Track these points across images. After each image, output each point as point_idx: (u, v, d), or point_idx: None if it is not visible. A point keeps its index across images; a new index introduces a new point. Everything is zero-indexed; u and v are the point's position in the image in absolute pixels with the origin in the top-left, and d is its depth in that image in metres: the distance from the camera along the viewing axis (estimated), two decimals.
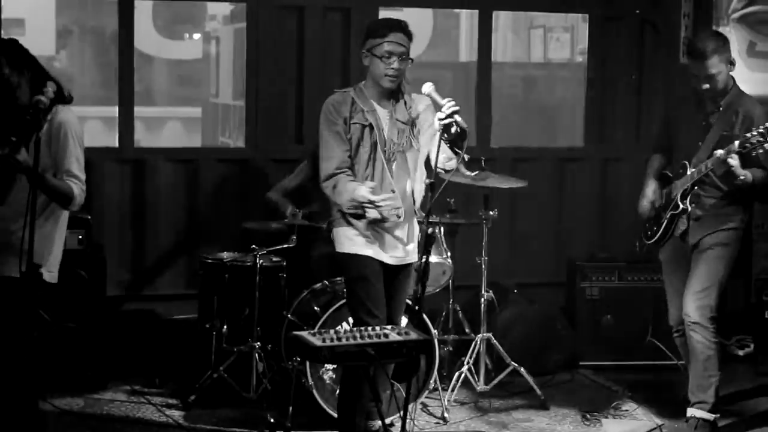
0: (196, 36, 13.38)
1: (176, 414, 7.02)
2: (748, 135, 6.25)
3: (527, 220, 8.99)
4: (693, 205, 6.64)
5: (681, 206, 6.67)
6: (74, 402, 7.17)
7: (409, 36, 5.94)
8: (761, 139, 6.20)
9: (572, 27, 12.41)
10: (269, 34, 8.41)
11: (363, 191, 5.71)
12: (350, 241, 5.98)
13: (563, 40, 12.51)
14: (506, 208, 8.59)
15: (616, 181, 9.15)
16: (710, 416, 6.69)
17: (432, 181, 5.57)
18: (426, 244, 5.42)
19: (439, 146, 5.62)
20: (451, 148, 5.69)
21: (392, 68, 5.85)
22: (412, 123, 5.98)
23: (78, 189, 5.34)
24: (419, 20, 11.20)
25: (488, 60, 9.02)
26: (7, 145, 5.03)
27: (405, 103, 5.99)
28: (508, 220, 8.80)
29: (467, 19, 12.30)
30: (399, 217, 5.93)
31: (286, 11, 8.44)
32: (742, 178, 6.31)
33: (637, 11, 9.08)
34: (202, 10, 13.25)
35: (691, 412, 6.74)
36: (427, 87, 5.74)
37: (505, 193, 8.46)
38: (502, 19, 12.17)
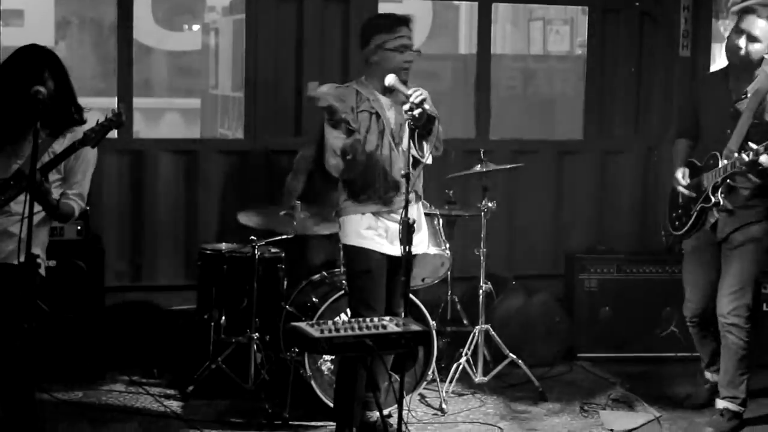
0: (196, 27, 13.36)
1: (174, 405, 7.02)
2: None
3: (526, 211, 8.99)
4: (724, 197, 6.53)
5: (713, 200, 6.54)
6: (72, 393, 7.17)
7: (411, 29, 6.02)
8: None
9: (572, 19, 12.40)
10: (268, 25, 8.40)
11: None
12: (357, 234, 6.00)
13: (563, 33, 12.51)
14: (505, 200, 8.58)
15: (615, 174, 9.15)
16: (740, 409, 6.74)
17: (407, 171, 5.59)
18: (407, 233, 5.43)
19: (411, 137, 5.66)
20: (419, 138, 5.72)
21: (406, 59, 5.91)
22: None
23: (78, 208, 5.55)
24: (419, 12, 11.19)
25: (487, 52, 9.01)
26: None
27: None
28: (507, 212, 8.80)
29: (467, 11, 12.29)
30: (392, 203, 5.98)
31: (285, 3, 8.43)
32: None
33: (637, 3, 9.07)
34: (202, 1, 13.24)
35: (723, 404, 6.76)
36: (390, 78, 5.80)
37: (504, 184, 8.48)
38: (501, 11, 12.17)
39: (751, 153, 6.20)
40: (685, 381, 7.54)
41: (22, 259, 5.13)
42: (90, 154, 5.52)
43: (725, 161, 6.46)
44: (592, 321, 8.29)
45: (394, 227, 5.94)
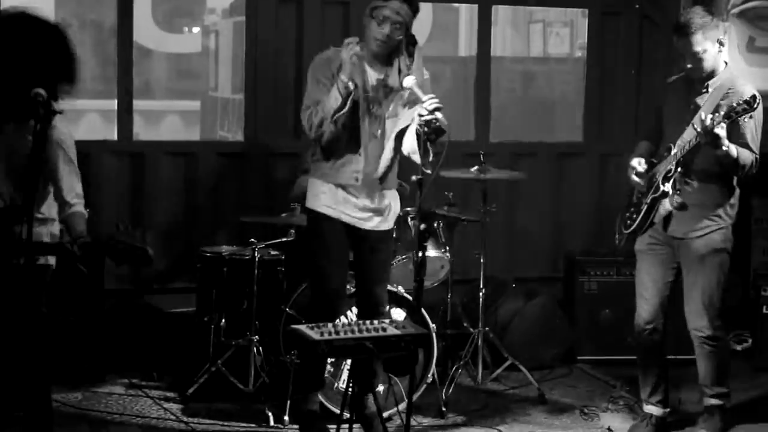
0: (195, 29, 13.39)
1: (174, 407, 7.02)
2: (734, 104, 6.05)
3: (526, 214, 8.99)
4: (676, 191, 6.38)
5: (662, 188, 6.39)
6: (72, 395, 7.17)
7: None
8: (746, 107, 6.01)
9: (571, 22, 12.42)
10: (268, 27, 8.41)
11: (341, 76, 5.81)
12: (314, 197, 6.10)
13: (562, 35, 12.53)
14: (505, 203, 8.59)
15: (615, 176, 9.12)
16: (725, 402, 6.70)
17: (420, 177, 5.58)
18: (420, 240, 5.42)
19: (419, 141, 5.65)
20: (425, 143, 5.70)
21: (381, 32, 5.89)
22: (399, 91, 5.97)
23: (83, 208, 5.64)
24: (419, 14, 11.20)
25: (487, 54, 9.02)
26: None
27: (399, 71, 5.99)
28: (507, 215, 8.80)
29: (467, 13, 12.31)
30: (356, 181, 5.99)
31: (285, 5, 8.44)
32: (725, 148, 6.10)
33: (637, 6, 9.07)
34: (201, 3, 13.26)
35: (712, 402, 6.70)
36: (409, 80, 5.78)
37: (503, 187, 8.49)
38: (501, 13, 12.19)
39: (708, 119, 6.11)
40: (692, 383, 7.55)
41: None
42: (58, 149, 5.37)
43: (676, 149, 6.36)
44: (591, 323, 8.29)
45: (356, 201, 6.04)
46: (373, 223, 6.15)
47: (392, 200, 6.24)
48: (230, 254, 7.32)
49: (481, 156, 7.53)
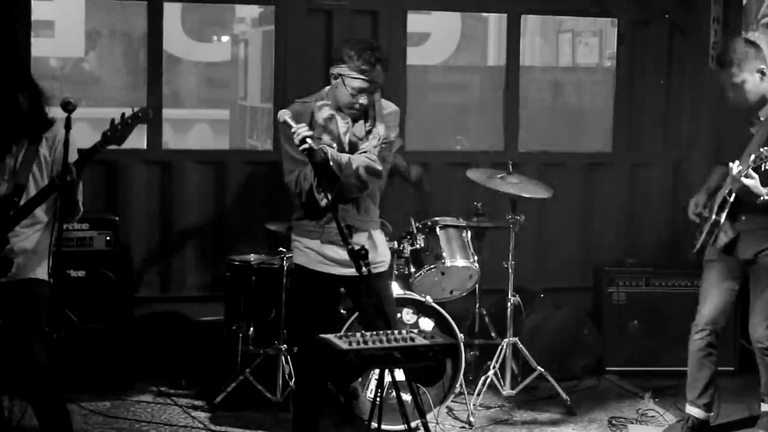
0: (225, 38, 13.38)
1: (202, 416, 7.04)
2: (762, 150, 6.13)
3: (555, 224, 8.97)
4: (729, 218, 6.47)
5: (714, 218, 6.50)
6: (101, 403, 7.20)
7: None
8: None
9: (601, 31, 12.35)
10: (297, 36, 8.42)
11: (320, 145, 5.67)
12: (301, 252, 5.97)
13: (592, 45, 12.47)
14: (534, 213, 8.56)
15: (645, 187, 9.12)
16: None
17: (327, 202, 5.55)
18: (354, 258, 5.29)
19: (314, 170, 5.60)
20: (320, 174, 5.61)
21: (359, 103, 5.79)
22: (366, 136, 5.91)
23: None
24: (448, 24, 11.18)
25: (516, 64, 9.01)
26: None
27: (365, 121, 5.92)
28: (536, 225, 8.77)
29: (496, 23, 12.26)
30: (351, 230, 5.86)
31: (314, 14, 8.45)
32: (763, 198, 6.17)
33: (667, 16, 9.04)
34: (231, 12, 13.25)
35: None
36: (283, 113, 5.72)
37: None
38: (530, 22, 12.12)
39: (736, 169, 6.15)
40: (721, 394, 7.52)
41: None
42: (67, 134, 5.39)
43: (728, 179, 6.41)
44: (620, 334, 8.27)
45: (341, 250, 5.81)
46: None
47: (380, 239, 6.16)
48: (259, 263, 7.33)
49: (510, 166, 7.52)
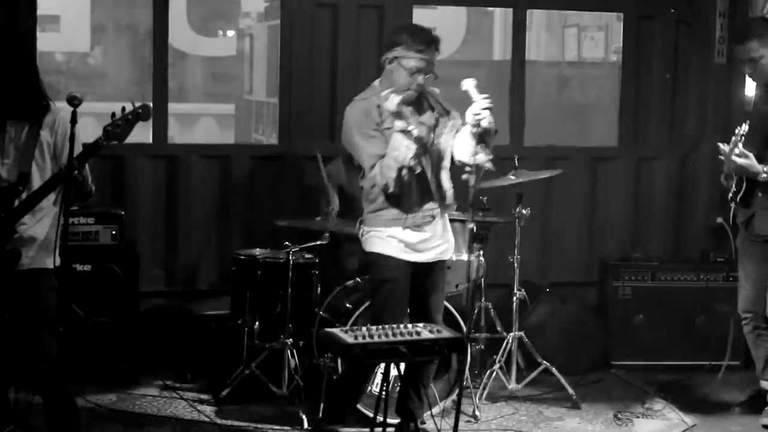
0: (230, 33, 13.42)
1: (208, 409, 7.04)
2: (738, 130, 6.28)
3: (560, 218, 8.96)
4: (744, 197, 6.61)
5: (731, 195, 6.71)
6: (106, 397, 7.21)
7: (439, 51, 5.93)
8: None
9: (606, 26, 12.36)
10: (303, 31, 8.41)
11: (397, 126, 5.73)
12: (382, 240, 6.00)
13: (597, 39, 12.47)
14: (539, 207, 8.56)
15: (650, 181, 9.11)
16: None
17: (469, 174, 5.63)
18: (471, 241, 5.43)
19: (473, 139, 5.64)
20: (478, 144, 5.69)
21: (417, 84, 5.85)
22: (436, 123, 5.97)
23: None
24: (453, 18, 11.19)
25: (522, 58, 8.99)
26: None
27: (430, 106, 6.00)
28: (541, 219, 8.77)
29: (501, 17, 12.28)
30: (433, 218, 5.95)
31: (320, 8, 8.44)
32: (762, 175, 6.28)
33: (672, 10, 9.02)
34: (236, 7, 13.28)
35: None
36: (468, 82, 5.74)
37: (538, 191, 8.45)
38: (536, 17, 12.13)
39: (725, 147, 6.35)
40: (726, 388, 7.52)
41: (57, 263, 5.20)
42: (69, 128, 5.38)
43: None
44: (626, 329, 8.27)
45: (419, 235, 5.98)
46: (441, 250, 6.17)
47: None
48: (264, 257, 7.33)
49: (516, 160, 7.52)
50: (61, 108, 5.34)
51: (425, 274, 6.14)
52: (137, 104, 5.27)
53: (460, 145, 5.94)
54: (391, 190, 5.84)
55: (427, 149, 5.90)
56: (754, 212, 6.66)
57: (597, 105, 11.08)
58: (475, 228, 6.30)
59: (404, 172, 5.77)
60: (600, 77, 11.91)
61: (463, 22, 11.74)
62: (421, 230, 6.00)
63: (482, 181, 5.96)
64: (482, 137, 5.67)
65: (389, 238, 6.00)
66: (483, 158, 5.73)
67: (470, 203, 5.59)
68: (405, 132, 5.69)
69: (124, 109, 5.24)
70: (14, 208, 5.24)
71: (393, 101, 5.74)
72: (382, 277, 6.08)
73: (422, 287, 6.17)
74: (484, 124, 5.57)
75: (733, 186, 6.71)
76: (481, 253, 7.24)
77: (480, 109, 5.58)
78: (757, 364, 7.02)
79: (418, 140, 5.73)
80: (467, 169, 5.82)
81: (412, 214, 5.96)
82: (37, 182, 5.28)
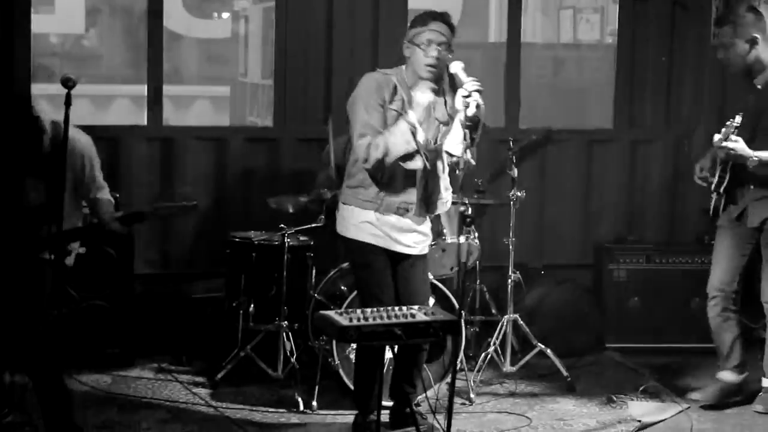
0: (225, 15, 13.40)
1: (203, 392, 7.05)
2: (731, 121, 6.27)
3: (555, 201, 8.95)
4: (738, 188, 6.59)
5: (715, 190, 6.68)
6: (101, 379, 7.21)
7: (451, 29, 5.92)
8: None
9: (602, 8, 12.35)
10: (298, 13, 8.39)
11: (409, 117, 5.70)
12: (355, 227, 6.00)
13: (593, 21, 12.45)
14: (534, 189, 8.55)
15: (645, 163, 9.10)
16: None
17: (458, 165, 5.59)
18: (461, 224, 5.39)
19: (462, 129, 5.58)
20: (465, 133, 5.57)
21: (431, 56, 5.82)
22: (447, 123, 5.95)
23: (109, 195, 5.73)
24: (448, 0, 11.17)
25: (517, 41, 8.98)
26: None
27: (446, 102, 5.96)
28: (536, 201, 8.76)
29: None
30: (407, 211, 5.94)
31: None
32: (752, 159, 6.27)
33: None
34: None
35: None
36: (456, 65, 5.71)
37: (533, 173, 8.45)
38: None
39: (716, 137, 6.34)
40: (704, 374, 7.53)
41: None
42: (91, 151, 5.49)
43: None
44: (620, 311, 8.28)
45: (396, 225, 5.97)
46: (419, 248, 6.13)
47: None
48: (259, 240, 7.33)
49: (511, 142, 7.51)
50: (75, 137, 5.41)
51: (402, 265, 6.11)
52: (190, 203, 5.59)
53: (451, 135, 5.89)
54: (367, 167, 5.83)
55: (426, 153, 5.89)
56: (746, 205, 6.63)
57: (592, 87, 11.08)
58: (469, 210, 6.27)
59: (387, 160, 5.77)
60: (595, 59, 11.90)
61: (458, 5, 11.72)
62: (395, 217, 5.97)
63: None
64: (470, 129, 5.57)
65: (363, 224, 5.98)
66: (469, 155, 5.67)
67: (460, 187, 5.55)
68: (412, 127, 5.68)
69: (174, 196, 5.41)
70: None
71: (427, 96, 5.77)
72: (359, 262, 6.10)
73: (400, 278, 6.14)
74: (472, 108, 5.48)
75: (716, 177, 6.67)
76: (476, 235, 7.23)
77: (469, 91, 5.52)
78: (719, 351, 6.93)
79: (418, 144, 5.73)
80: (454, 159, 5.79)
81: (389, 200, 5.93)
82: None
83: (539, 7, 12.98)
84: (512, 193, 7.43)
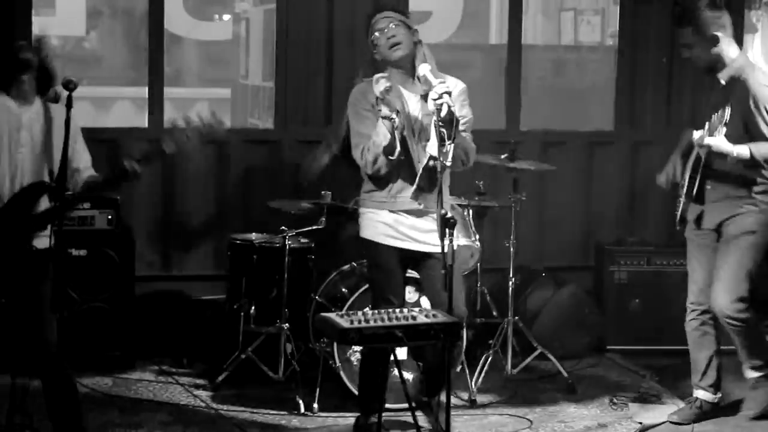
0: (226, 17, 13.37)
1: (204, 394, 7.05)
2: (714, 117, 6.24)
3: (556, 203, 8.95)
4: (695, 192, 6.51)
5: (683, 192, 6.61)
6: (102, 381, 7.22)
7: (396, 11, 6.06)
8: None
9: (603, 10, 12.34)
10: (299, 15, 8.39)
11: (382, 112, 5.69)
12: (371, 225, 6.00)
13: (594, 23, 12.44)
14: (535, 191, 8.55)
15: (646, 165, 9.08)
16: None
17: (435, 163, 5.58)
18: (443, 227, 5.33)
19: (437, 130, 5.53)
20: (439, 133, 5.49)
21: (389, 36, 5.89)
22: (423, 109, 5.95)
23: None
24: (449, 2, 11.16)
25: (518, 42, 8.99)
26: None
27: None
28: (537, 203, 8.76)
29: (497, 1, 12.25)
30: (420, 205, 5.93)
31: None
32: (734, 154, 6.21)
33: None
34: None
35: (752, 375, 6.68)
36: (423, 68, 5.75)
37: (534, 176, 8.44)
38: (532, 1, 12.13)
39: (697, 134, 6.29)
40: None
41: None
42: (74, 130, 5.47)
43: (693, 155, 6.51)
44: (621, 313, 8.28)
45: (412, 223, 5.95)
46: (435, 244, 6.08)
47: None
48: (260, 242, 7.33)
49: (512, 144, 7.51)
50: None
51: (418, 265, 6.12)
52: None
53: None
54: (369, 172, 5.89)
55: (409, 133, 5.89)
56: (704, 208, 6.55)
57: (593, 89, 11.06)
58: (449, 214, 6.17)
59: (380, 159, 5.78)
60: (596, 61, 11.88)
61: (459, 6, 11.71)
62: (410, 216, 5.98)
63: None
64: (446, 129, 5.47)
65: (378, 223, 6.01)
66: (447, 155, 5.60)
67: (438, 191, 5.48)
68: (388, 119, 5.68)
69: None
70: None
71: (381, 85, 5.73)
72: (370, 263, 6.15)
73: (425, 278, 6.16)
74: (444, 109, 5.46)
75: (686, 181, 6.61)
76: (477, 237, 7.22)
77: (438, 94, 5.50)
78: (695, 367, 6.80)
79: (397, 130, 5.72)
80: (432, 163, 5.78)
81: (402, 198, 5.95)
82: None
83: (540, 8, 12.97)
84: (513, 194, 7.43)
